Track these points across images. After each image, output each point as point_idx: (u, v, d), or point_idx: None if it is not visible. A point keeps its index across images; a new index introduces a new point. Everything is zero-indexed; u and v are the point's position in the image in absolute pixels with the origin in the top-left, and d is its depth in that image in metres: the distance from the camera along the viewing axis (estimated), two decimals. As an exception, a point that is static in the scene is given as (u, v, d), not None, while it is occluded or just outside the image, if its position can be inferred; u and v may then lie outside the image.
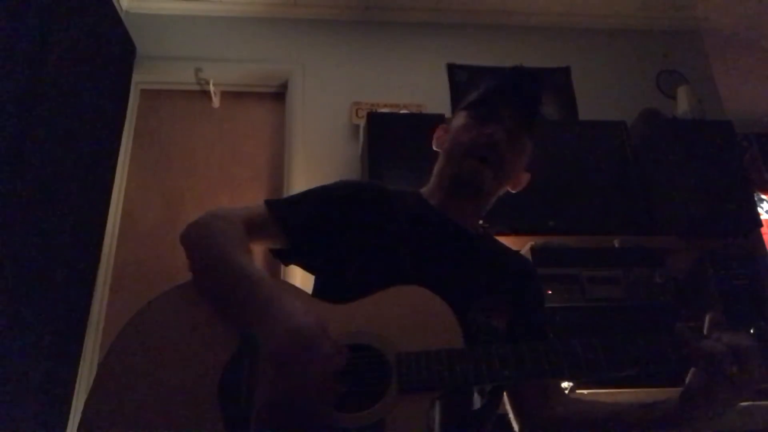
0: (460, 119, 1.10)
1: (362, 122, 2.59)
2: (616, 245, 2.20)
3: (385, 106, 2.69)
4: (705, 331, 0.81)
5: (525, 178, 1.14)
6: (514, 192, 1.14)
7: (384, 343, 0.81)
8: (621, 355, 0.78)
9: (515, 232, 2.29)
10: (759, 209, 2.66)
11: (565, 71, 3.01)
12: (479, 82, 1.12)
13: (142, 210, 2.65)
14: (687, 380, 0.80)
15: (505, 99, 1.06)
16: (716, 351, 0.75)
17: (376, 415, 0.75)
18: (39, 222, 1.90)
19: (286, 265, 1.07)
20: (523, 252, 2.21)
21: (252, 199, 2.68)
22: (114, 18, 2.56)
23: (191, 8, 2.94)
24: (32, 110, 1.86)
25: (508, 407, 1.04)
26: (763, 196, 3.88)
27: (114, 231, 2.54)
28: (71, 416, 2.07)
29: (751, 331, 0.79)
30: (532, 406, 1.01)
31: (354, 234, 1.02)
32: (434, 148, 1.16)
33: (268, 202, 1.05)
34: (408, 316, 0.85)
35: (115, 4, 2.64)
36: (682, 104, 2.72)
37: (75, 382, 2.13)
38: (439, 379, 0.77)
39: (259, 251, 1.06)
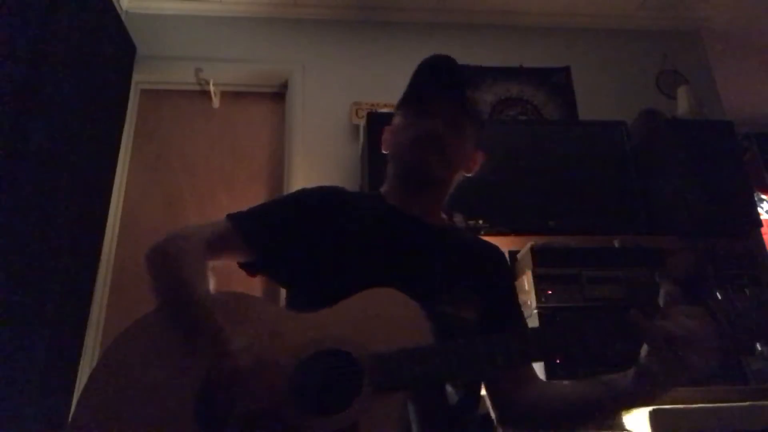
0: (398, 119, 1.13)
1: (362, 122, 2.59)
2: (616, 245, 2.20)
3: (385, 106, 2.68)
4: (661, 303, 0.83)
5: (478, 159, 1.15)
6: (469, 175, 1.15)
7: (356, 346, 0.82)
8: (589, 338, 0.81)
9: (515, 232, 2.29)
10: (759, 209, 2.66)
11: (565, 71, 3.01)
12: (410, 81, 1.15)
13: (142, 210, 2.65)
14: (640, 358, 0.82)
15: (432, 91, 1.09)
16: (667, 334, 0.77)
17: (349, 418, 0.76)
18: (39, 222, 1.90)
19: (253, 276, 1.07)
20: (522, 252, 2.21)
21: (252, 199, 2.68)
22: (114, 18, 2.56)
23: (191, 8, 2.94)
24: (32, 110, 1.86)
25: (486, 398, 1.05)
26: (763, 196, 3.89)
27: (114, 231, 2.54)
28: (71, 417, 2.06)
29: (718, 295, 0.81)
30: (508, 394, 1.02)
31: (317, 242, 1.03)
32: (383, 151, 1.17)
33: (230, 216, 1.06)
34: (378, 317, 0.86)
35: (115, 4, 2.64)
36: (682, 104, 2.72)
37: (75, 382, 2.13)
38: (411, 376, 0.78)
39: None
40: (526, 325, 1.11)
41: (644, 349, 0.82)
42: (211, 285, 0.96)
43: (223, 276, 1.05)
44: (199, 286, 0.92)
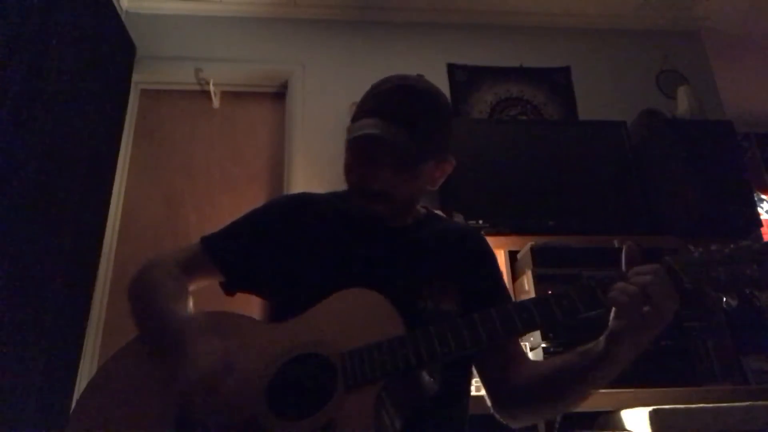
0: (346, 149, 1.04)
1: (362, 122, 2.58)
2: (616, 245, 2.20)
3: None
4: (623, 267, 0.84)
5: (445, 168, 1.07)
6: (434, 188, 1.09)
7: (328, 347, 0.83)
8: (554, 311, 0.82)
9: (515, 232, 2.29)
10: (759, 209, 2.66)
11: (565, 71, 3.01)
12: (361, 104, 1.03)
13: (142, 210, 2.65)
14: (610, 322, 0.82)
15: (378, 135, 0.95)
16: (625, 296, 0.78)
17: (325, 417, 0.77)
18: (39, 222, 1.90)
19: (231, 295, 1.08)
20: (522, 252, 2.22)
21: (252, 199, 2.68)
22: (114, 18, 2.56)
23: (191, 8, 2.94)
24: (32, 110, 1.86)
25: (481, 385, 1.05)
26: (763, 196, 3.89)
27: (114, 231, 2.54)
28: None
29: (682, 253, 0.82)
30: (499, 377, 1.01)
31: (288, 251, 1.04)
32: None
33: (202, 239, 1.07)
34: (349, 317, 0.87)
35: (115, 4, 2.64)
36: (682, 104, 2.72)
37: (75, 382, 2.13)
38: (382, 368, 0.80)
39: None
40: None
41: (612, 314, 0.82)
42: (190, 305, 0.97)
43: (213, 293, 1.06)
44: (174, 312, 0.92)
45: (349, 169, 1.03)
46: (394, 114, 0.96)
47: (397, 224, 1.08)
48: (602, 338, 0.83)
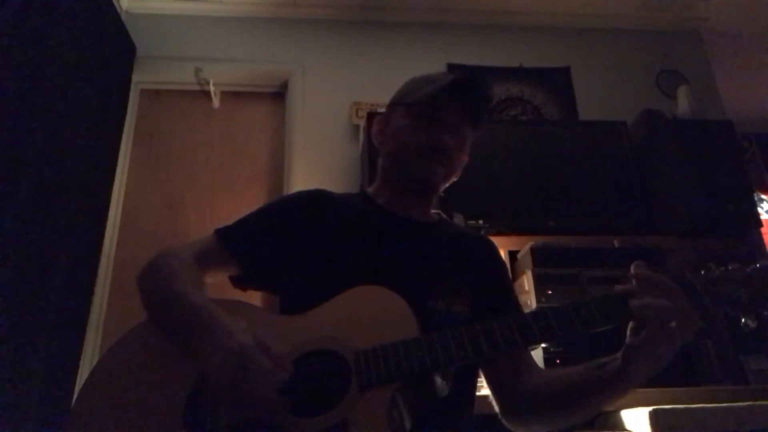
0: (401, 118, 1.11)
1: (362, 122, 2.59)
2: (616, 245, 2.20)
3: (385, 106, 2.68)
4: (633, 281, 0.82)
5: (462, 163, 1.16)
6: (455, 180, 1.16)
7: (342, 344, 0.83)
8: (571, 321, 0.80)
9: (515, 232, 2.29)
10: (759, 209, 2.66)
11: (565, 71, 3.01)
12: (417, 82, 1.13)
13: (142, 210, 2.65)
14: (627, 338, 0.81)
15: (454, 100, 1.07)
16: (651, 311, 0.76)
17: (338, 416, 0.77)
18: (39, 222, 1.90)
19: (244, 290, 1.08)
20: (522, 252, 2.22)
21: (252, 199, 2.68)
22: (114, 18, 2.56)
23: (191, 8, 2.94)
24: (32, 110, 1.86)
25: (488, 390, 1.04)
26: (763, 196, 3.89)
27: (114, 231, 2.54)
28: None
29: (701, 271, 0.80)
30: (509, 385, 1.01)
31: (304, 246, 1.04)
32: (374, 142, 1.18)
33: (217, 231, 1.07)
34: (364, 314, 0.87)
35: (115, 4, 2.64)
36: (682, 104, 2.72)
37: (75, 382, 2.13)
38: (397, 370, 0.79)
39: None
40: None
41: (629, 329, 0.81)
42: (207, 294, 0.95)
43: (219, 287, 1.05)
44: (186, 287, 0.92)
45: (411, 131, 1.07)
46: (462, 84, 1.07)
47: (418, 218, 1.10)
48: (619, 354, 0.82)
